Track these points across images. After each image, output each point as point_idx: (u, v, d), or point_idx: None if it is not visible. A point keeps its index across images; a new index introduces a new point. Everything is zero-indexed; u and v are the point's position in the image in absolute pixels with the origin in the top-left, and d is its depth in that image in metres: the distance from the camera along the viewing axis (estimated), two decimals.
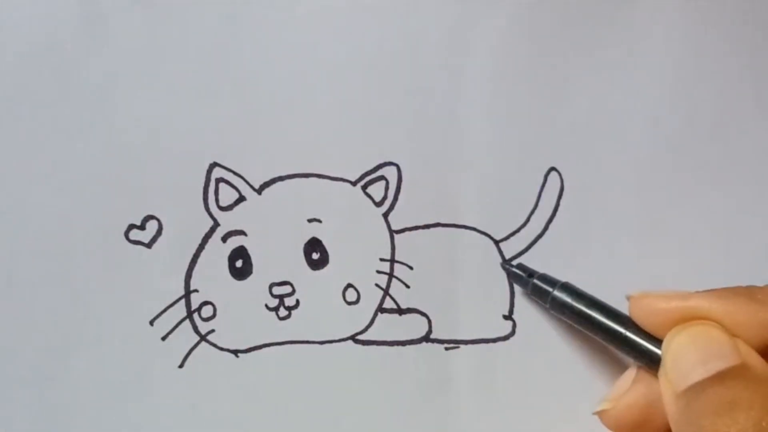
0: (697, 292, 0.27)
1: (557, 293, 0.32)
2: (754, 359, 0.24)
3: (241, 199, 0.33)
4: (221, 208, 0.33)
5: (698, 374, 0.24)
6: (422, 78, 0.34)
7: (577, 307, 0.31)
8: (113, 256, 0.33)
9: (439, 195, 0.34)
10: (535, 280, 0.33)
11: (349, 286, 0.34)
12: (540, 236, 0.35)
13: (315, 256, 0.34)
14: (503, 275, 0.35)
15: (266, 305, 0.33)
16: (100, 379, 0.33)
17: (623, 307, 0.30)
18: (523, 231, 0.35)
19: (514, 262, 0.34)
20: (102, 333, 0.33)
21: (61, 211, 0.32)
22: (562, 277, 0.33)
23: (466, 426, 0.34)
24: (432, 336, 0.34)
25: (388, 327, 0.34)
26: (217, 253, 0.33)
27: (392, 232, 0.34)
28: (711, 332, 0.25)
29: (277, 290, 0.33)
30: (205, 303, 0.33)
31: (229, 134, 0.33)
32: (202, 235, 0.33)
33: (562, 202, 0.35)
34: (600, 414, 0.29)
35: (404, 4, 0.34)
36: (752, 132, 0.36)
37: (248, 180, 0.33)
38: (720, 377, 0.23)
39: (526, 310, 0.34)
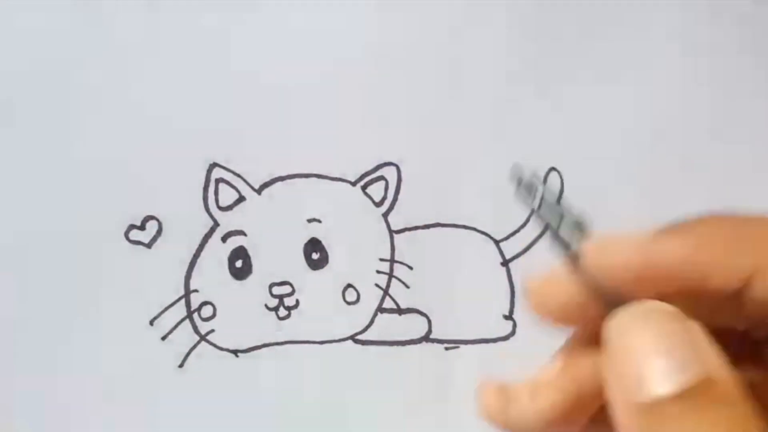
0: (661, 232, 0.22)
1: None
2: (721, 372, 0.19)
3: (241, 199, 0.33)
4: (221, 208, 0.33)
5: (659, 388, 0.19)
6: (422, 78, 0.34)
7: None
8: (113, 256, 0.33)
9: (439, 195, 0.34)
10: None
11: (349, 286, 0.34)
12: (540, 236, 0.35)
13: (315, 256, 0.34)
14: (503, 275, 0.35)
15: (266, 305, 0.33)
16: (100, 380, 0.33)
17: None
18: (523, 231, 0.35)
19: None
20: (102, 333, 0.33)
21: (62, 211, 0.32)
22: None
23: (466, 426, 0.34)
24: (432, 336, 0.34)
25: (387, 327, 0.34)
26: (217, 253, 0.33)
27: (392, 232, 0.34)
28: (671, 327, 0.20)
29: (276, 290, 0.33)
30: (205, 303, 0.33)
31: (229, 134, 0.33)
32: (202, 235, 0.33)
33: (561, 202, 0.35)
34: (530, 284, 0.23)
35: (404, 4, 0.34)
36: (753, 131, 0.36)
37: (248, 180, 0.33)
38: (682, 396, 0.19)
39: (526, 310, 0.34)
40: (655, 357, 0.19)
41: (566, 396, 0.22)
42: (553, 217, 0.25)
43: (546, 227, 0.24)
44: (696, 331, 0.19)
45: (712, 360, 0.19)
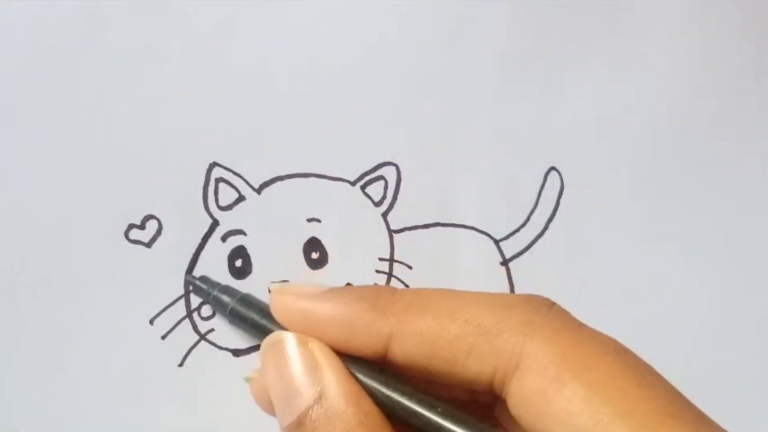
0: (330, 290, 0.25)
1: (236, 305, 0.30)
2: (333, 387, 0.23)
3: (241, 198, 0.33)
4: (221, 208, 0.33)
5: (284, 420, 0.23)
6: (422, 78, 0.34)
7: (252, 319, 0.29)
8: (113, 256, 0.33)
9: (438, 195, 0.34)
10: (216, 293, 0.31)
11: (349, 285, 0.34)
12: (540, 236, 0.35)
13: (314, 255, 0.34)
14: (503, 275, 0.34)
15: None
16: (100, 379, 0.33)
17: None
18: (523, 231, 0.35)
19: (197, 275, 0.33)
20: (102, 333, 0.33)
21: (61, 211, 0.33)
22: (560, 276, 0.33)
23: None
24: None
25: None
26: (217, 252, 0.33)
27: (391, 232, 0.34)
28: (292, 353, 0.24)
29: None
30: (205, 302, 0.33)
31: (229, 134, 0.33)
32: (202, 234, 0.33)
33: (562, 202, 0.35)
34: (248, 381, 0.27)
35: (404, 4, 0.34)
36: (753, 131, 0.36)
37: (248, 180, 0.33)
38: (300, 420, 0.23)
39: None
40: (277, 387, 0.24)
41: None
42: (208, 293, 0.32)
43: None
44: (314, 352, 0.24)
45: (326, 377, 0.23)
